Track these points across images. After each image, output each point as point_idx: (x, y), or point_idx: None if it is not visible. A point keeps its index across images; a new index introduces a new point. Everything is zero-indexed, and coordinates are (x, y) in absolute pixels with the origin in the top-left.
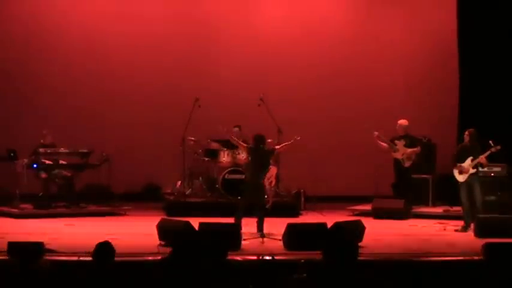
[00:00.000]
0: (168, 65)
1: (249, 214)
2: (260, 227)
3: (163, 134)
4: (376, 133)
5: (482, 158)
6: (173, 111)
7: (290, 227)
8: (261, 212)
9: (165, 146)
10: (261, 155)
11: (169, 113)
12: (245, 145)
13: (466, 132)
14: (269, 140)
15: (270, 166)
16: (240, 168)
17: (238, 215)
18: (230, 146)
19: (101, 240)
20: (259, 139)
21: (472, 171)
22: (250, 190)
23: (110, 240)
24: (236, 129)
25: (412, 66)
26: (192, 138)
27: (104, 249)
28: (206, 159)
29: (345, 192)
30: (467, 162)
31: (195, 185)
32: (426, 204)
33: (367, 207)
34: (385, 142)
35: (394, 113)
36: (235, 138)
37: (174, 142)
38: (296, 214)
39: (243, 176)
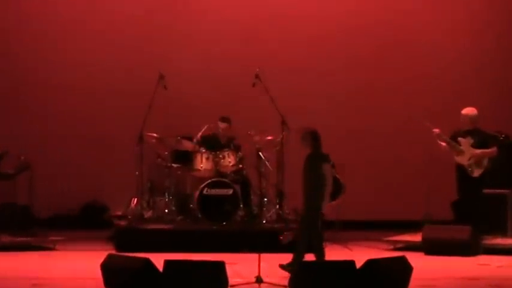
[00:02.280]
0: (118, 32)
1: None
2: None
3: (111, 131)
4: (436, 130)
5: None
6: (126, 96)
7: (302, 267)
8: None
9: (114, 148)
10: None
11: (120, 100)
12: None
13: None
14: (257, 137)
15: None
16: (226, 180)
17: (299, 246)
18: (212, 145)
19: None
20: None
21: None
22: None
23: None
24: (224, 124)
25: (479, 39)
26: (154, 135)
27: None
28: (175, 165)
29: (381, 216)
30: None
31: (159, 204)
32: (504, 233)
33: (415, 237)
34: (445, 141)
35: (452, 101)
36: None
37: (127, 141)
38: (310, 247)
39: (230, 191)
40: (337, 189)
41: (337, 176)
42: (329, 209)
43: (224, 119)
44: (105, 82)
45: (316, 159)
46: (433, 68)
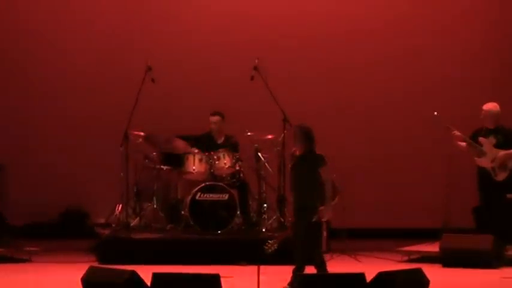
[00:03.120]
0: (101, 20)
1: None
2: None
3: (93, 129)
4: (456, 132)
5: None
6: (109, 91)
7: (303, 282)
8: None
9: (96, 148)
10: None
11: (103, 95)
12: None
13: None
14: (249, 133)
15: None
16: (221, 183)
17: (297, 256)
18: (205, 145)
19: None
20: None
21: None
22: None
23: None
24: (216, 118)
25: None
26: (141, 134)
27: None
28: (164, 167)
29: (393, 224)
30: None
31: (146, 211)
32: None
33: (432, 247)
34: (465, 141)
35: (471, 99)
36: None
37: (110, 141)
38: (309, 258)
39: (226, 196)
40: (333, 193)
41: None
42: (330, 215)
43: (215, 113)
44: (86, 76)
45: (312, 160)
46: (450, 63)
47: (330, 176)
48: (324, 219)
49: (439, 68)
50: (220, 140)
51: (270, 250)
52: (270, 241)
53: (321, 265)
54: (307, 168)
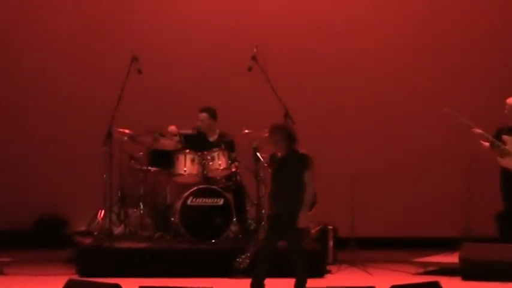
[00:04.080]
0: (81, 4)
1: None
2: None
3: (72, 126)
4: (476, 130)
5: None
6: (90, 84)
7: None
8: (299, 261)
9: (75, 148)
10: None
11: (83, 89)
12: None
13: None
14: (247, 131)
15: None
16: (216, 187)
17: (259, 270)
18: (198, 143)
19: None
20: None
21: None
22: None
23: None
24: (203, 115)
25: None
26: (126, 132)
27: None
28: (152, 169)
29: (408, 233)
30: None
31: (132, 217)
32: None
33: (451, 258)
34: (487, 139)
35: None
36: None
37: (92, 139)
38: (320, 271)
39: (221, 201)
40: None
41: None
42: (305, 224)
43: (203, 110)
44: (64, 68)
45: (297, 161)
46: (470, 57)
47: (313, 181)
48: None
49: (456, 61)
50: (213, 138)
51: (242, 266)
52: (241, 256)
53: (302, 276)
54: (291, 170)
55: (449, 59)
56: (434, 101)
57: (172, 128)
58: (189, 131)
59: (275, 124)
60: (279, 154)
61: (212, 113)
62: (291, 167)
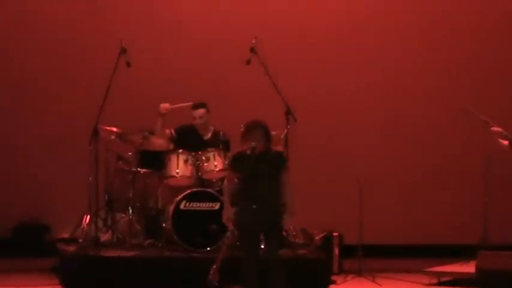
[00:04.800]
0: None
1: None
2: None
3: (55, 124)
4: (495, 128)
5: None
6: (75, 77)
7: None
8: (278, 269)
9: (58, 147)
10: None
11: (68, 83)
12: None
13: None
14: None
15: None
16: (211, 190)
17: (250, 281)
18: (192, 142)
19: None
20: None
21: None
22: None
23: None
24: (202, 111)
25: None
26: (114, 130)
27: None
28: (142, 171)
29: (420, 240)
30: None
31: (120, 223)
32: None
33: (467, 268)
34: (507, 138)
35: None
36: None
37: (76, 138)
38: (324, 281)
39: (217, 206)
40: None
41: None
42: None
43: (200, 105)
44: (46, 60)
45: (274, 160)
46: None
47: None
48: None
49: (471, 60)
50: (208, 136)
51: (216, 283)
52: (212, 272)
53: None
54: (270, 168)
55: (464, 58)
56: (448, 100)
57: (164, 106)
58: (188, 104)
59: (254, 120)
60: (249, 152)
61: (208, 108)
62: (268, 166)
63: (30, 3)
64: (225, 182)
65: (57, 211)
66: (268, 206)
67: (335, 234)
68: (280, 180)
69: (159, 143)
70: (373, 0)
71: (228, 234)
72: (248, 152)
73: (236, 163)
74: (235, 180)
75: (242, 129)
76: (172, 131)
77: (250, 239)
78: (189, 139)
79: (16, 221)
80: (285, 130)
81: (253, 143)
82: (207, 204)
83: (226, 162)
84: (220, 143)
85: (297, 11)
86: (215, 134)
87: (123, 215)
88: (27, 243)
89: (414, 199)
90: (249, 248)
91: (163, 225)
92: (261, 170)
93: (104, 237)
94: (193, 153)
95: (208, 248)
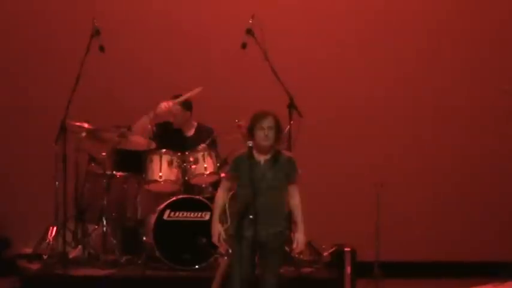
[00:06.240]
0: None
1: None
2: None
3: (16, 120)
4: None
5: None
6: (40, 64)
7: None
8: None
9: (19, 147)
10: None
11: (31, 70)
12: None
13: None
14: (241, 123)
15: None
16: (200, 197)
17: None
18: (177, 141)
19: None
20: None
21: None
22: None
23: None
24: (176, 108)
25: None
26: (85, 126)
27: None
28: (118, 174)
29: (443, 256)
30: None
31: (92, 236)
32: None
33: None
34: None
35: None
36: None
37: (40, 136)
38: None
39: (206, 215)
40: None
41: None
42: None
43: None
44: (7, 44)
45: (288, 168)
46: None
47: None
48: (298, 252)
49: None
50: (190, 133)
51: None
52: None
53: None
54: (276, 177)
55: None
56: (482, 101)
57: (166, 105)
58: (197, 90)
59: (270, 112)
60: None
61: (187, 105)
62: (276, 173)
63: None
64: (218, 191)
65: (18, 222)
66: (270, 220)
67: (347, 249)
68: (289, 192)
69: (138, 141)
70: None
71: (224, 253)
72: (244, 152)
73: (238, 168)
74: (231, 191)
75: (243, 123)
76: (154, 127)
77: (244, 257)
78: (169, 136)
79: None
80: (288, 126)
81: (249, 142)
82: (196, 213)
83: (218, 165)
84: (204, 140)
85: None
86: (199, 129)
87: (96, 226)
88: None
89: (438, 211)
90: (241, 268)
91: (144, 238)
92: (267, 178)
93: (73, 253)
94: (179, 154)
95: (196, 266)
